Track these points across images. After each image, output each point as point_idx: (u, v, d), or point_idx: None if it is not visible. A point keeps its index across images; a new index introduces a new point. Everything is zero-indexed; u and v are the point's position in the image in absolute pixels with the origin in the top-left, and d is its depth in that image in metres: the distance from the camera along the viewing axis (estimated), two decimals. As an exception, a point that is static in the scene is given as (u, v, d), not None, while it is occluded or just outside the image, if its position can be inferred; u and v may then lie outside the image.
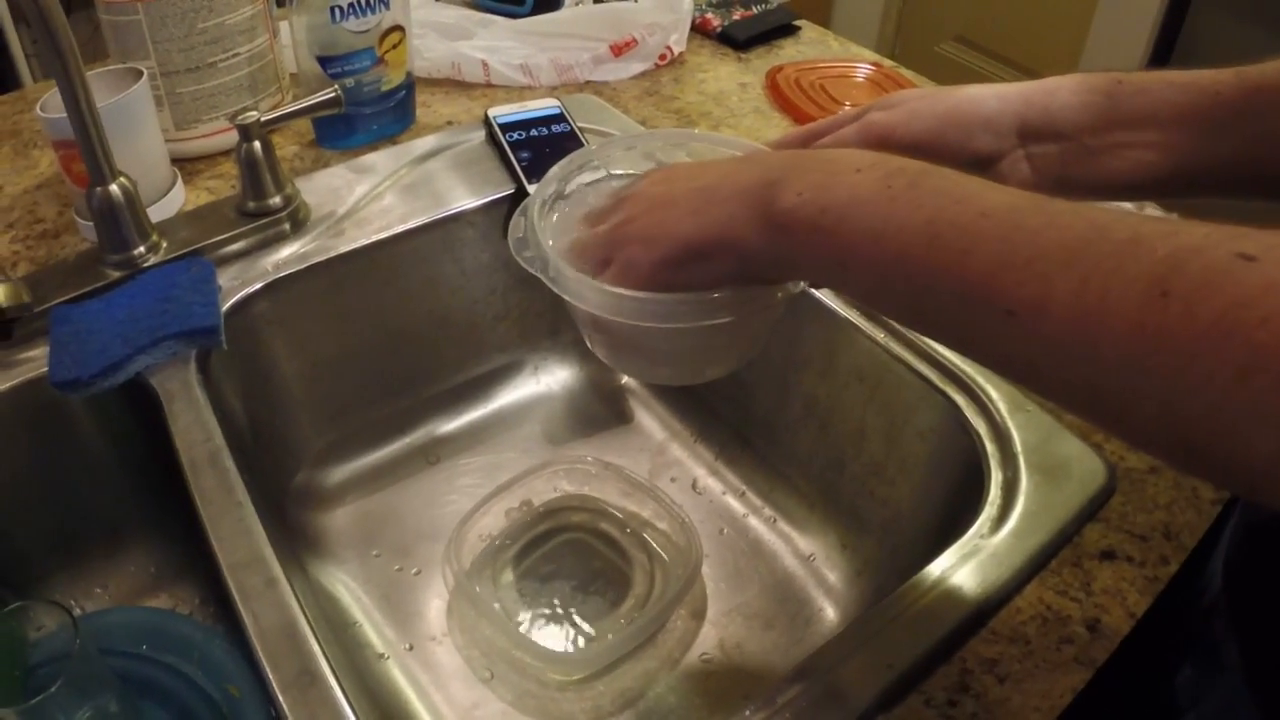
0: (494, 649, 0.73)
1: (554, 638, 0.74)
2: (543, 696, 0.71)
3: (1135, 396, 0.32)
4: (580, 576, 0.78)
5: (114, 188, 0.69)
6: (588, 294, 0.50)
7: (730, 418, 0.89)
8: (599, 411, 0.94)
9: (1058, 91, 0.54)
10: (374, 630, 0.75)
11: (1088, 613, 0.56)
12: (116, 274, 0.72)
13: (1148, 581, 0.58)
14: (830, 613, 0.77)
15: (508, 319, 0.92)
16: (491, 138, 0.91)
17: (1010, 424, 0.66)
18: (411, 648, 0.74)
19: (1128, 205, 0.64)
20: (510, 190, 0.85)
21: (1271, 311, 0.29)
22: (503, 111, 0.92)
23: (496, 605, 0.75)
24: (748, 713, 0.50)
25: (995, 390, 0.68)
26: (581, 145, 0.88)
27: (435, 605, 0.76)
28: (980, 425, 0.67)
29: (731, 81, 1.06)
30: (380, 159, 0.89)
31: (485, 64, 1.01)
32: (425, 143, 0.91)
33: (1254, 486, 0.31)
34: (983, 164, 0.54)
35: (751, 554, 0.81)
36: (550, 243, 0.53)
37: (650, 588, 0.77)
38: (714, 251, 0.46)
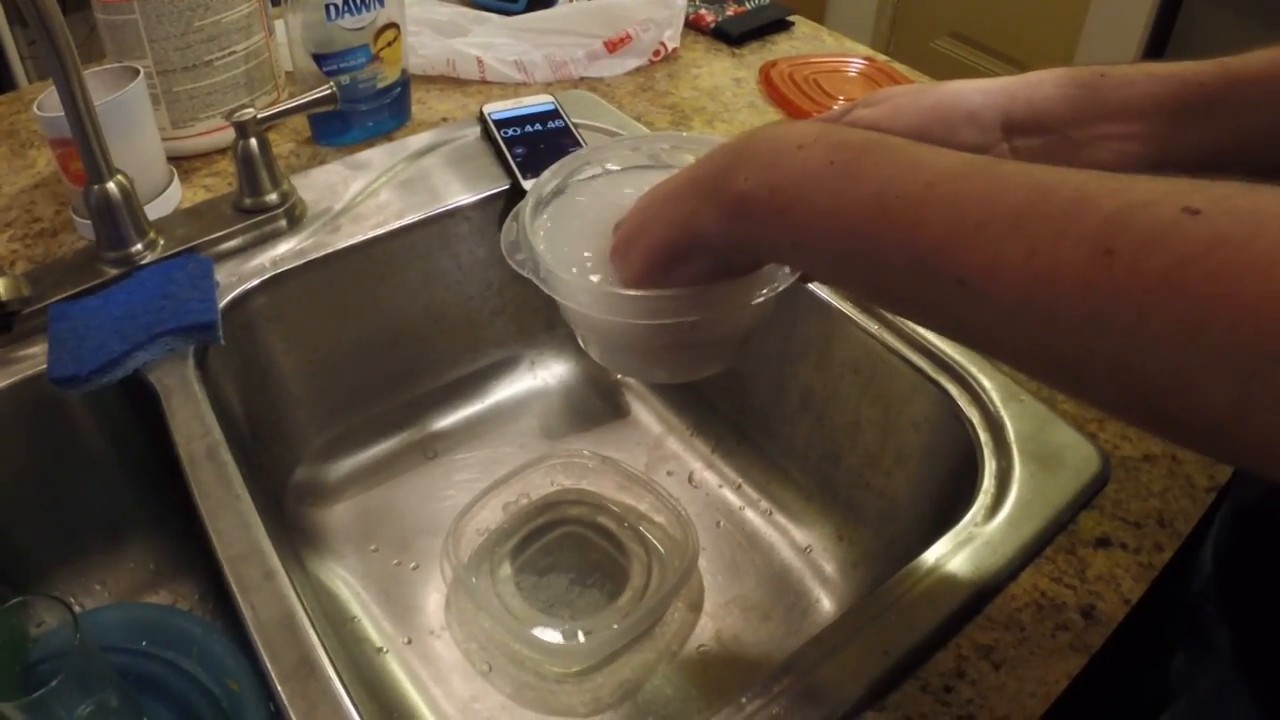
0: (492, 642, 0.73)
1: (552, 631, 0.74)
2: (541, 689, 0.71)
3: (1089, 357, 0.32)
4: (578, 570, 0.78)
5: (111, 186, 0.70)
6: (577, 294, 0.51)
7: (727, 411, 0.90)
8: (596, 406, 0.94)
9: (1041, 85, 0.54)
10: (372, 624, 0.75)
11: (1083, 599, 0.57)
12: (114, 271, 0.72)
13: (1142, 568, 0.59)
14: (827, 604, 0.77)
15: (504, 314, 0.92)
16: (487, 134, 0.91)
17: (1004, 413, 0.66)
18: (410, 641, 0.74)
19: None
20: (506, 186, 0.86)
21: (1218, 265, 0.28)
22: (498, 108, 0.92)
23: (494, 599, 0.75)
24: (744, 700, 0.50)
25: (989, 380, 0.68)
26: (576, 141, 0.89)
27: (433, 599, 0.77)
28: (974, 415, 0.67)
29: (725, 77, 1.07)
30: (376, 155, 0.89)
31: (480, 61, 1.01)
32: (421, 139, 0.91)
33: (1212, 441, 0.31)
34: None
35: (748, 546, 0.82)
36: (542, 246, 0.53)
37: (647, 580, 0.77)
38: (685, 251, 0.46)
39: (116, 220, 0.72)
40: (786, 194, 0.41)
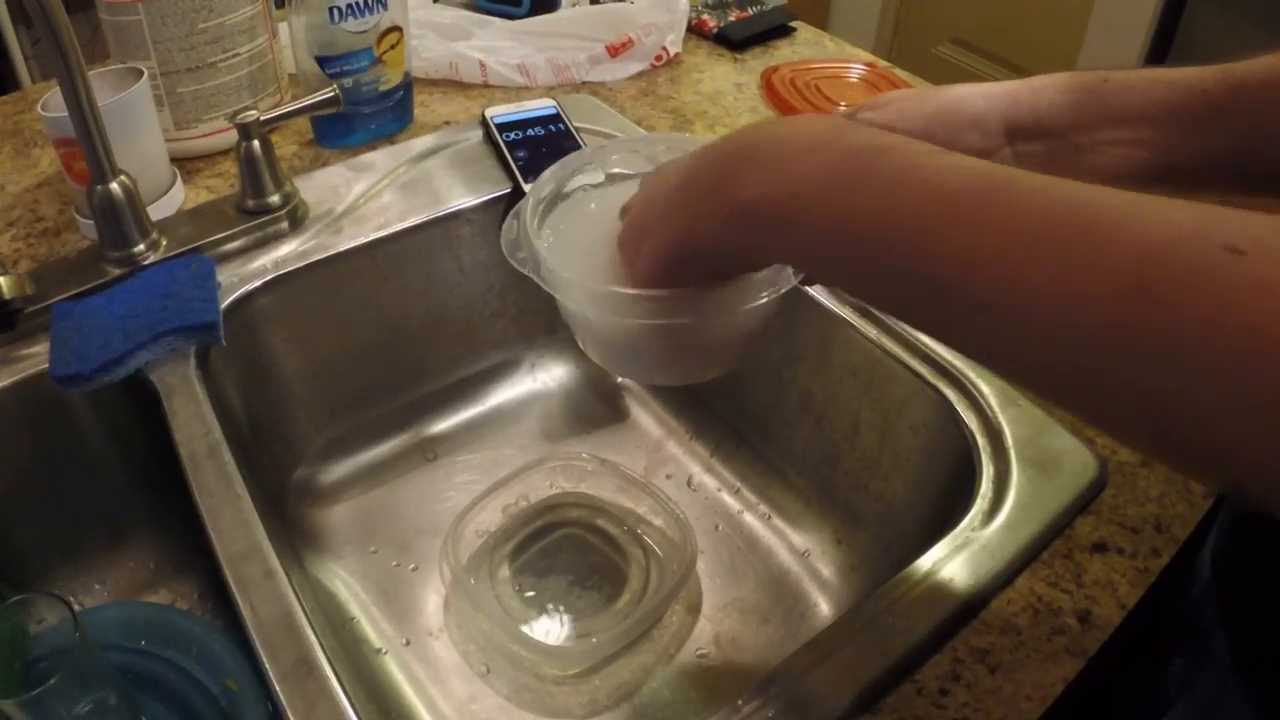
0: (491, 644, 0.74)
1: (550, 633, 0.74)
2: (539, 691, 0.71)
3: (1116, 395, 0.31)
4: (576, 572, 0.78)
5: (114, 186, 0.70)
6: (578, 293, 0.51)
7: (726, 414, 0.90)
8: (596, 409, 0.94)
9: (1044, 90, 0.54)
10: (371, 625, 0.75)
11: (1079, 604, 0.57)
12: (117, 271, 0.73)
13: (1139, 573, 0.59)
14: (825, 607, 0.77)
15: (505, 316, 0.92)
16: (489, 137, 0.91)
17: (1002, 418, 0.67)
18: (409, 643, 0.74)
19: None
20: (507, 189, 0.86)
21: (1260, 313, 0.27)
22: (500, 111, 0.93)
23: (493, 600, 0.75)
24: (740, 703, 0.50)
25: (987, 385, 0.69)
26: (577, 145, 0.89)
27: (432, 600, 0.77)
28: (972, 420, 0.67)
29: (727, 82, 1.07)
30: (378, 158, 0.89)
31: (483, 64, 1.01)
32: (423, 142, 0.92)
33: (1232, 478, 0.31)
34: None
35: (747, 550, 0.82)
36: (545, 245, 0.53)
37: (646, 583, 0.77)
38: (691, 254, 0.45)
39: (119, 220, 0.72)
40: (793, 203, 0.40)
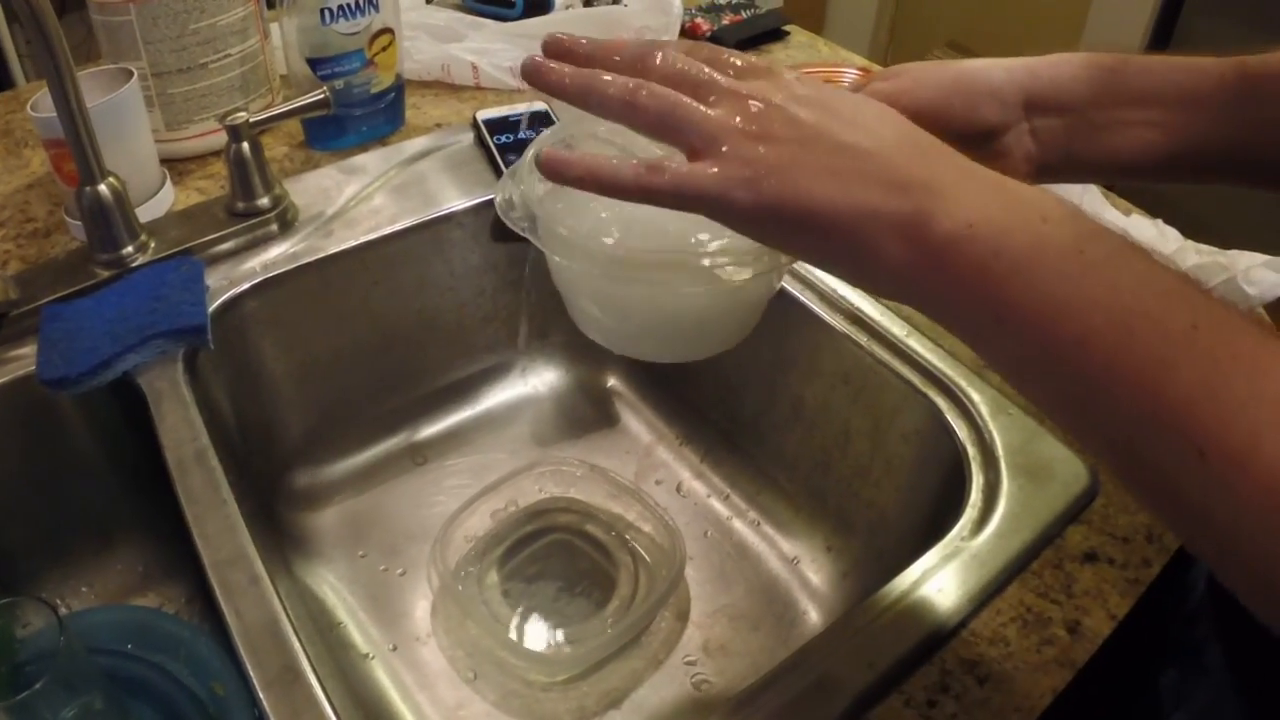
0: (479, 649, 0.73)
1: (539, 639, 0.74)
2: (527, 697, 0.71)
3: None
4: (565, 578, 0.78)
5: (103, 188, 0.70)
6: (574, 252, 0.49)
7: (717, 420, 0.90)
8: (586, 413, 0.94)
9: (1064, 64, 0.54)
10: (359, 630, 0.75)
11: (1069, 614, 0.57)
12: (106, 273, 0.72)
13: (1129, 584, 0.59)
14: (814, 615, 0.77)
15: (496, 320, 0.92)
16: (480, 140, 0.91)
17: (992, 426, 0.66)
18: (396, 648, 0.74)
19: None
20: (499, 192, 0.86)
21: None
22: (492, 114, 0.92)
23: (482, 606, 0.75)
24: (728, 711, 0.50)
25: (978, 393, 0.69)
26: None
27: (421, 606, 0.77)
28: (962, 428, 0.67)
29: (721, 86, 1.07)
30: (370, 160, 0.89)
31: (475, 66, 1.01)
32: (415, 144, 0.91)
33: None
34: (987, 136, 0.54)
35: (736, 556, 0.82)
36: (540, 197, 0.51)
37: (634, 589, 0.77)
38: (833, 234, 0.38)
39: (108, 222, 0.72)
40: (1012, 263, 0.35)
